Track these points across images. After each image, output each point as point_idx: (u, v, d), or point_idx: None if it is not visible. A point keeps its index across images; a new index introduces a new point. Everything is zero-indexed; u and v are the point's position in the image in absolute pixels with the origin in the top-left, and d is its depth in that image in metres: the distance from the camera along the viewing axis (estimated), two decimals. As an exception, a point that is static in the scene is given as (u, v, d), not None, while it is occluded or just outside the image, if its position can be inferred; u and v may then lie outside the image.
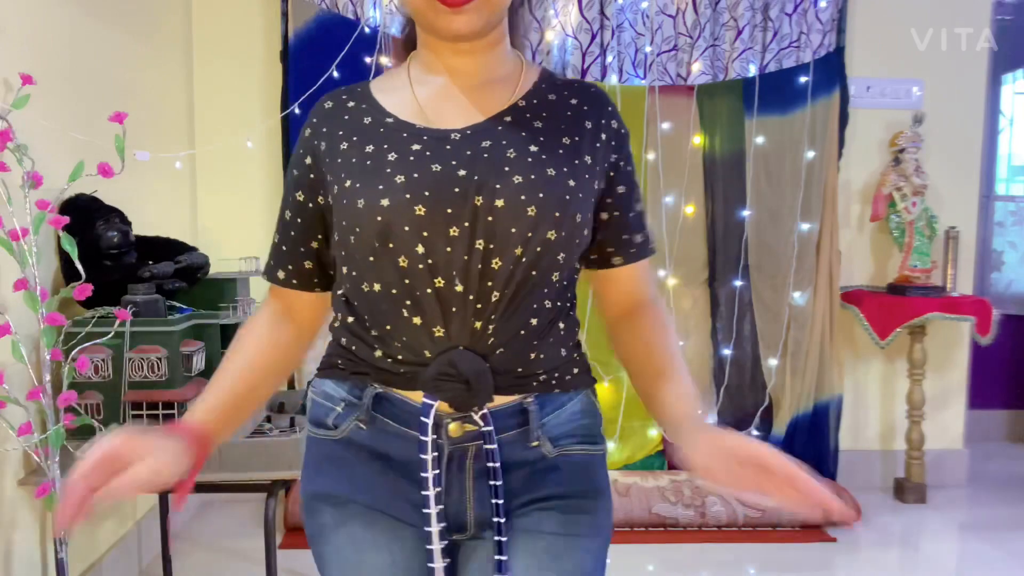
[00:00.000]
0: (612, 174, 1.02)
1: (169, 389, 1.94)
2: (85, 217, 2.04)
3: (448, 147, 0.95)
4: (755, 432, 3.33)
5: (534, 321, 0.96)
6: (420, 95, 1.01)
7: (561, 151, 0.97)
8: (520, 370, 0.97)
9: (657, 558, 2.78)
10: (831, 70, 3.25)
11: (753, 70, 3.26)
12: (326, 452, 1.03)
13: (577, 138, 0.99)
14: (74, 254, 1.83)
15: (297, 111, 3.08)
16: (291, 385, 3.19)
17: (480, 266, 0.92)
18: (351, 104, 1.05)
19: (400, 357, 0.96)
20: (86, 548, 2.27)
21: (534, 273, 0.94)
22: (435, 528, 0.96)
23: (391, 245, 0.93)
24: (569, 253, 0.97)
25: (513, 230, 0.92)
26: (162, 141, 2.84)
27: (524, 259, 0.93)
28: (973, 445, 3.59)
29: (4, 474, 1.88)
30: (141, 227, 2.31)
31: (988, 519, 3.16)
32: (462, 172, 0.93)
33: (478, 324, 0.94)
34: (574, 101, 1.03)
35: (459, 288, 0.93)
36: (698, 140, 3.28)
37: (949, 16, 3.34)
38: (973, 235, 3.47)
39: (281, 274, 1.07)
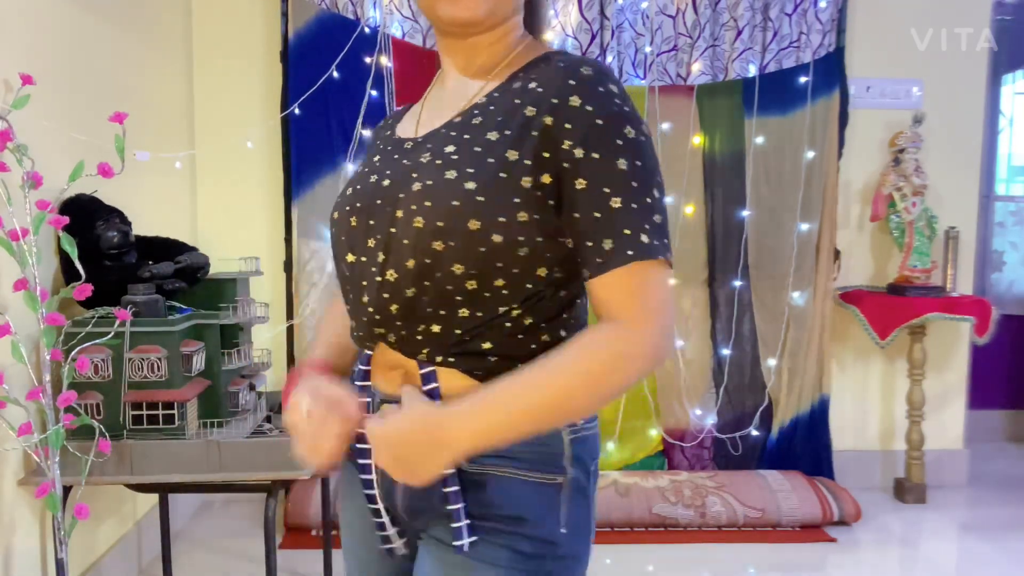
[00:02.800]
0: (566, 165, 0.86)
1: (169, 389, 1.94)
2: (85, 217, 2.04)
3: (396, 156, 0.96)
4: (754, 432, 3.34)
5: (437, 328, 0.90)
6: (431, 96, 1.04)
7: (478, 149, 0.89)
8: None
9: (657, 558, 2.78)
10: (831, 70, 3.25)
11: (753, 70, 3.26)
12: None
13: (508, 131, 0.89)
14: (74, 254, 1.83)
15: (297, 111, 3.08)
16: (291, 385, 3.19)
17: (379, 279, 0.91)
18: (391, 120, 1.09)
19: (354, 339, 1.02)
20: (86, 548, 2.28)
21: (427, 284, 0.89)
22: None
23: (335, 253, 0.99)
24: (473, 264, 0.87)
25: (405, 242, 0.88)
26: (162, 141, 2.84)
27: (412, 273, 0.89)
28: (973, 445, 3.59)
29: (4, 474, 1.87)
30: (141, 227, 2.31)
31: (988, 519, 3.16)
32: (386, 182, 0.93)
33: (380, 331, 0.94)
34: (533, 84, 0.91)
35: (364, 299, 0.94)
36: (698, 140, 3.28)
37: (949, 16, 3.34)
38: (973, 235, 3.47)
39: None
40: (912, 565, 2.84)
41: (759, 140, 3.27)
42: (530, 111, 0.88)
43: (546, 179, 0.87)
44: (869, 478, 3.44)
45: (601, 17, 3.22)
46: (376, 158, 1.00)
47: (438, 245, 0.87)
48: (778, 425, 3.33)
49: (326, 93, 3.08)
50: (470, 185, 0.86)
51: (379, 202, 0.92)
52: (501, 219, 0.86)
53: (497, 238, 0.86)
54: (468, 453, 0.86)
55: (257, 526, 2.97)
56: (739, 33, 3.24)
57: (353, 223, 0.94)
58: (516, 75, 0.94)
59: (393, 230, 0.89)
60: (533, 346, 0.92)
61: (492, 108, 0.92)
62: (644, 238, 0.85)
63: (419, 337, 0.91)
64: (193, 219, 3.19)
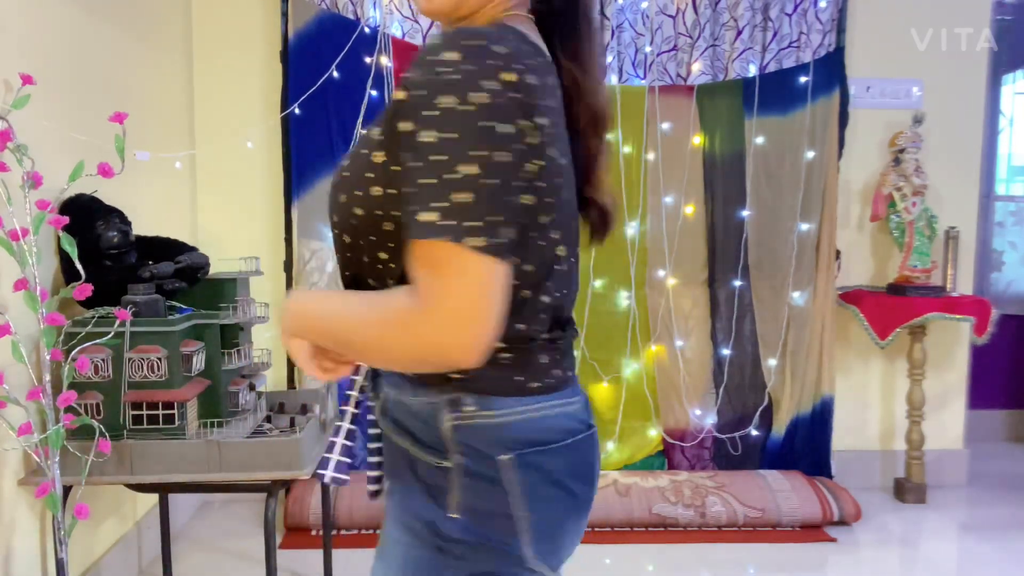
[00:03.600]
0: (399, 139, 0.86)
1: (169, 389, 1.94)
2: (85, 217, 2.04)
3: None
4: (754, 432, 3.34)
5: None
6: None
7: (364, 131, 0.98)
8: None
9: (657, 558, 2.78)
10: (831, 70, 3.25)
11: (753, 70, 3.26)
12: None
13: (381, 113, 0.93)
14: (74, 254, 1.83)
15: (297, 111, 3.08)
16: (291, 385, 3.20)
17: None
18: None
19: None
20: (86, 548, 2.28)
21: (342, 253, 0.99)
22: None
23: None
24: (354, 236, 0.94)
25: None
26: (162, 141, 2.84)
27: (343, 251, 1.00)
28: (973, 445, 3.59)
29: (4, 474, 1.88)
30: (141, 227, 2.31)
31: (988, 519, 3.16)
32: None
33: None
34: None
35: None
36: (698, 140, 3.28)
37: (949, 16, 3.34)
38: (973, 235, 3.47)
39: None
40: (912, 565, 2.84)
41: (759, 140, 3.27)
42: (397, 90, 0.89)
43: (392, 156, 0.87)
44: (869, 478, 3.44)
45: (601, 17, 3.22)
46: None
47: (334, 217, 0.97)
48: (778, 425, 3.33)
49: (326, 93, 3.08)
50: (345, 162, 0.96)
51: None
52: (357, 192, 0.92)
53: (358, 211, 0.92)
54: (291, 328, 0.96)
55: (257, 526, 2.97)
56: (739, 33, 3.24)
57: None
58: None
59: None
60: None
61: None
62: (424, 216, 0.80)
63: None
64: (193, 219, 3.19)
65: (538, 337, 0.94)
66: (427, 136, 0.81)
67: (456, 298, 0.80)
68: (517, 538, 0.93)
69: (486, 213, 0.80)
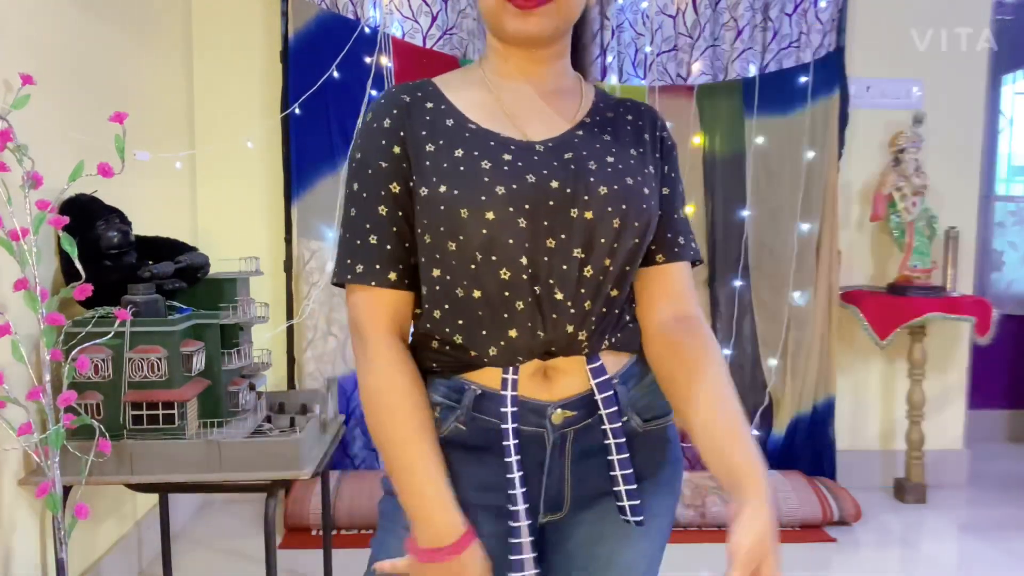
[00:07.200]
0: (661, 180, 1.08)
1: (169, 389, 1.94)
2: (85, 217, 2.04)
3: (535, 157, 0.98)
4: (755, 432, 3.33)
5: (617, 311, 1.03)
6: (505, 100, 1.04)
7: (632, 162, 1.02)
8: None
9: (657, 558, 2.77)
10: (831, 70, 3.25)
11: (753, 70, 3.26)
12: None
13: (641, 150, 1.06)
14: (74, 254, 1.83)
15: (297, 111, 3.08)
16: (291, 385, 3.19)
17: (577, 275, 0.97)
18: (429, 104, 1.02)
19: (494, 355, 0.98)
20: (86, 548, 2.28)
21: (618, 277, 1.01)
22: (521, 508, 1.00)
23: (494, 257, 0.95)
24: (643, 254, 1.05)
25: (603, 240, 0.97)
26: (162, 141, 2.84)
27: (612, 266, 0.99)
28: (973, 445, 3.59)
29: (4, 474, 1.87)
30: (141, 227, 2.31)
31: (988, 519, 3.16)
32: (555, 184, 0.96)
33: (571, 328, 0.98)
34: (630, 117, 1.09)
35: (559, 296, 0.97)
36: (698, 140, 3.28)
37: (949, 16, 3.34)
38: (973, 235, 3.47)
39: (393, 275, 0.99)
40: (912, 565, 2.84)
41: (759, 140, 3.27)
42: (646, 137, 1.09)
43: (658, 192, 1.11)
44: (869, 478, 3.44)
45: (601, 17, 3.22)
46: (506, 156, 0.97)
47: (636, 241, 0.99)
48: (779, 425, 3.33)
49: (326, 93, 3.08)
50: (646, 191, 1.01)
51: (552, 203, 0.96)
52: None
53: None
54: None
55: (257, 526, 2.97)
56: (739, 33, 3.24)
57: (523, 224, 0.94)
58: (599, 105, 1.09)
59: (584, 229, 0.96)
60: (628, 318, 1.09)
61: (609, 128, 1.06)
62: (696, 245, 1.11)
63: (601, 326, 1.01)
64: (193, 219, 3.19)
65: None
66: (678, 181, 1.14)
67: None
68: None
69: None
